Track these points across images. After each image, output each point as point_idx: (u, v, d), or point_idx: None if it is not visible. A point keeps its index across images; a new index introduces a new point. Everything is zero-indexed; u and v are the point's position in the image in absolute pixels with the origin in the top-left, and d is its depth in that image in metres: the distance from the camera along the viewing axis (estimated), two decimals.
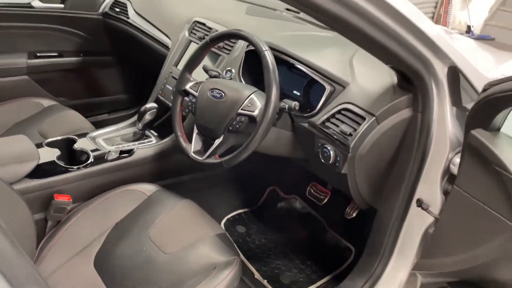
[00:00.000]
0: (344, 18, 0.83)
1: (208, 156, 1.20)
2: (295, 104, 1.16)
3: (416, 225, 1.16)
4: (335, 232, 1.76)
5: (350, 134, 1.11)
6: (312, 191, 1.79)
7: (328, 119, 1.18)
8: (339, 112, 1.17)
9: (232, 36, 1.24)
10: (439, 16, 6.79)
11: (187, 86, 1.28)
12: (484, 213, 0.94)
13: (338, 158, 1.15)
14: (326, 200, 1.75)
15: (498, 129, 0.98)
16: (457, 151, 1.09)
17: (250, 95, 1.16)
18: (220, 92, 1.18)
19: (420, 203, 1.14)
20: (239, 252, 1.54)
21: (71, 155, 1.43)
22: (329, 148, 1.17)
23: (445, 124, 1.06)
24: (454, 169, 1.08)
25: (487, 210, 0.94)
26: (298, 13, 1.73)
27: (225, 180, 1.88)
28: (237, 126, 1.15)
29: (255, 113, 1.13)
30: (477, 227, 0.98)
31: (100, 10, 2.13)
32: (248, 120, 1.15)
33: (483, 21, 6.59)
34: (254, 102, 1.14)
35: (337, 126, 1.15)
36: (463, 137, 1.01)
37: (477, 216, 0.97)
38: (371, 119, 1.09)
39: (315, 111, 1.22)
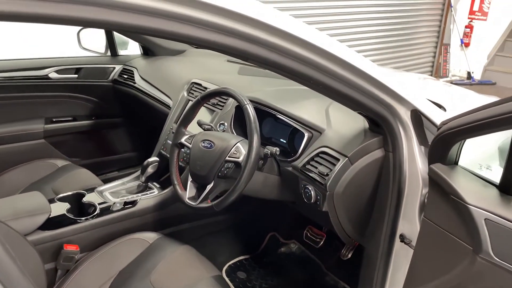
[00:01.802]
0: (308, 75, 0.95)
1: (201, 201, 1.31)
2: (276, 149, 1.28)
3: (402, 260, 1.22)
4: (332, 273, 1.80)
5: (327, 174, 1.22)
6: (308, 234, 1.87)
7: (308, 162, 1.30)
8: (317, 155, 1.28)
9: (219, 93, 1.40)
10: (439, 65, 7.01)
11: (183, 139, 1.43)
12: (449, 240, 1.01)
13: (319, 197, 1.25)
14: (322, 243, 1.82)
15: (456, 163, 1.08)
16: None
17: (236, 143, 1.29)
18: (210, 142, 1.32)
19: (402, 238, 1.20)
20: None
21: (80, 208, 1.56)
22: (310, 188, 1.27)
23: (415, 162, 1.15)
24: None
25: (451, 237, 1.01)
26: None
27: (225, 228, 1.97)
28: (225, 171, 1.28)
29: (240, 159, 1.25)
30: (445, 255, 1.04)
31: (110, 78, 2.36)
32: (235, 166, 1.27)
33: (482, 67, 6.79)
34: (240, 149, 1.28)
35: (316, 167, 1.26)
36: None
37: (444, 243, 1.04)
38: (344, 159, 1.20)
39: (297, 155, 1.34)
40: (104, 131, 2.43)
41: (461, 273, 0.99)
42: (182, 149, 1.46)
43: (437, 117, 1.18)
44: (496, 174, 0.98)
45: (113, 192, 1.68)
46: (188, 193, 1.36)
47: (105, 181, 1.89)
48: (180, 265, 1.36)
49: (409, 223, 1.17)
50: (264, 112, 1.50)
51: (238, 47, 0.82)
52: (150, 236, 1.45)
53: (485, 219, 0.91)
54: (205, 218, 1.85)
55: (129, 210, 1.58)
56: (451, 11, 6.64)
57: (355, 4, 5.39)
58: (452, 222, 1.01)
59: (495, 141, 1.11)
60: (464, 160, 1.07)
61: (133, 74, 2.24)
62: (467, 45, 6.73)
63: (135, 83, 2.19)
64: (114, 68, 2.36)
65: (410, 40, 6.47)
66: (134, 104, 2.25)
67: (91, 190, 1.66)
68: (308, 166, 1.29)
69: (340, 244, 1.78)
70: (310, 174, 1.27)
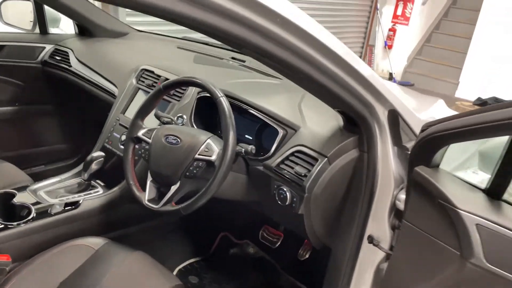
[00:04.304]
0: (299, 68, 0.87)
1: (164, 204, 1.17)
2: (251, 147, 1.18)
3: (368, 261, 1.20)
4: (289, 274, 1.75)
5: (305, 175, 1.15)
6: (265, 234, 1.79)
7: (282, 162, 1.22)
8: (292, 154, 1.21)
9: (187, 83, 1.26)
10: None
11: (140, 133, 1.27)
12: (434, 245, 1.00)
13: (295, 199, 1.18)
14: (279, 243, 1.76)
15: (438, 165, 1.07)
16: (401, 188, 1.16)
17: (206, 140, 1.17)
18: (176, 138, 1.18)
19: (371, 240, 1.18)
20: None
21: (10, 211, 1.32)
22: (285, 189, 1.20)
23: (388, 162, 1.13)
24: (400, 205, 1.15)
25: (436, 242, 1.00)
26: (244, 61, 1.80)
27: (175, 229, 1.82)
28: (194, 171, 1.15)
29: (213, 157, 1.13)
30: (428, 260, 1.03)
31: (39, 59, 2.06)
32: (206, 165, 1.15)
33: (403, 68, 7.26)
34: (211, 147, 1.15)
35: (292, 168, 1.19)
36: (407, 174, 1.09)
37: (428, 249, 1.02)
38: (324, 160, 1.14)
39: (270, 154, 1.25)
40: (29, 119, 2.12)
41: (448, 278, 0.98)
42: (137, 145, 1.30)
43: (412, 118, 1.18)
44: (481, 178, 0.98)
45: (49, 192, 1.46)
46: (147, 194, 1.21)
47: (33, 177, 1.64)
48: (134, 275, 1.20)
49: (379, 225, 1.16)
50: (231, 105, 1.38)
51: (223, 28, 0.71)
52: (96, 242, 1.28)
53: (476, 224, 0.90)
54: (154, 220, 1.68)
55: (71, 213, 1.38)
56: (377, 14, 6.99)
57: None
58: (438, 226, 0.99)
59: (475, 146, 1.13)
60: (446, 163, 1.07)
61: (68, 56, 1.97)
62: (390, 47, 7.14)
63: (70, 66, 1.93)
64: (44, 47, 2.06)
65: (338, 39, 6.69)
66: (68, 90, 1.99)
67: (23, 189, 1.42)
68: (283, 166, 1.21)
69: (297, 244, 1.74)
70: (286, 175, 1.19)
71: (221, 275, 1.76)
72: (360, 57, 7.40)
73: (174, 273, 1.71)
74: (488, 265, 0.89)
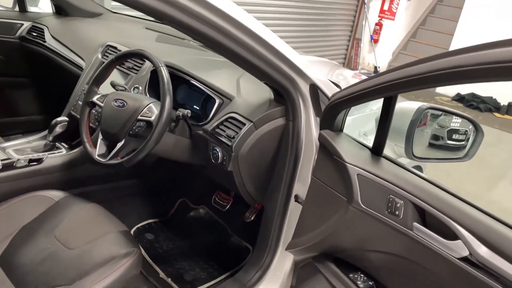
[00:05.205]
0: (218, 41, 1.02)
1: (111, 158, 1.35)
2: (187, 112, 1.37)
3: (295, 217, 1.38)
4: (236, 235, 1.95)
5: (233, 137, 1.33)
6: (216, 199, 1.99)
7: (217, 126, 1.40)
8: (226, 120, 1.39)
9: (134, 55, 1.43)
10: (350, 58, 7.52)
11: (94, 98, 1.44)
12: (330, 194, 1.19)
13: (225, 158, 1.36)
14: (228, 206, 1.95)
15: (341, 130, 1.25)
16: None
17: (148, 104, 1.34)
18: (123, 101, 1.36)
19: (296, 198, 1.36)
20: (140, 246, 1.66)
21: None
22: (218, 149, 1.38)
23: (311, 130, 1.31)
24: None
25: (331, 191, 1.19)
26: None
27: (136, 192, 2.00)
28: (136, 130, 1.33)
29: (152, 118, 1.31)
30: (326, 207, 1.22)
31: (17, 34, 2.22)
32: (146, 125, 1.33)
33: (387, 62, 7.42)
34: (152, 109, 1.33)
35: (224, 131, 1.37)
36: None
37: (326, 197, 1.21)
38: (250, 124, 1.33)
39: (208, 120, 1.44)
40: (7, 90, 2.29)
41: (337, 220, 1.17)
42: (93, 109, 1.48)
43: (332, 92, 1.35)
44: (372, 140, 1.17)
45: (17, 150, 1.63)
46: (98, 150, 1.39)
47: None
48: (87, 221, 1.38)
49: (303, 185, 1.33)
50: (179, 78, 1.56)
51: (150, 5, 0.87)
52: (56, 194, 1.45)
53: (357, 174, 1.09)
54: (115, 181, 1.87)
55: (34, 168, 1.55)
56: (364, 8, 7.14)
57: None
58: (333, 178, 1.19)
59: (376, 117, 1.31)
60: (350, 130, 1.25)
61: (43, 32, 2.14)
62: (376, 41, 7.30)
63: (45, 41, 2.10)
64: (22, 24, 2.23)
65: (326, 31, 6.85)
66: (43, 64, 2.15)
67: None
68: (218, 130, 1.39)
69: (244, 208, 1.92)
70: (219, 137, 1.37)
71: (176, 235, 1.94)
72: (347, 49, 7.57)
73: (132, 230, 1.89)
74: (364, 206, 1.08)
